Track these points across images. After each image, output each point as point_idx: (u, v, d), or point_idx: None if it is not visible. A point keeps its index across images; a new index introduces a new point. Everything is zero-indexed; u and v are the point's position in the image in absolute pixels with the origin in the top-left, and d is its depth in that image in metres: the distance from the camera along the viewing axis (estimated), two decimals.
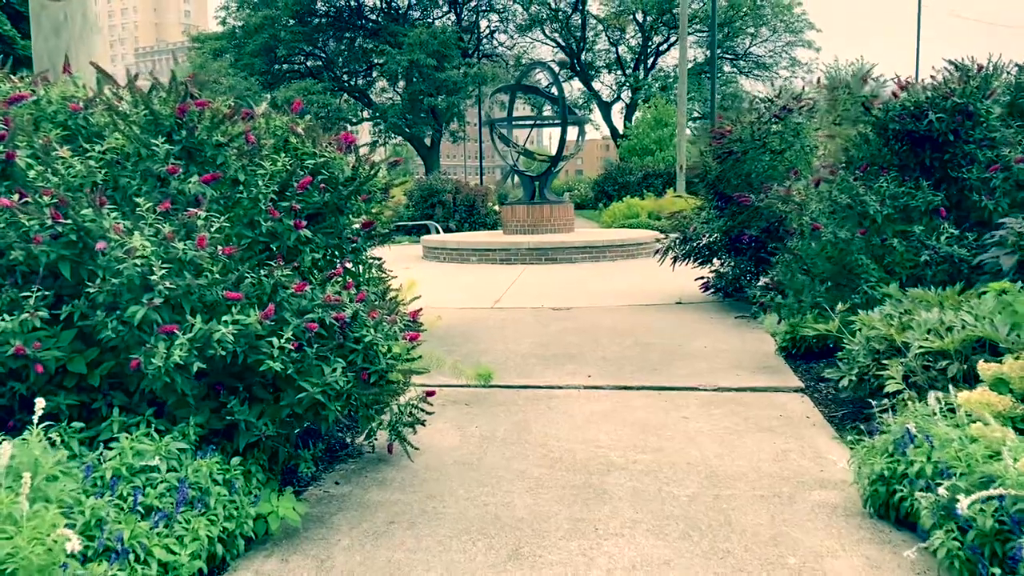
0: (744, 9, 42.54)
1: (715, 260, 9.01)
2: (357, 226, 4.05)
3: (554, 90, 15.88)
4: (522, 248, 13.22)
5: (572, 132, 15.74)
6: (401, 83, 38.06)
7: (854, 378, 4.49)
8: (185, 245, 3.13)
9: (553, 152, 15.19)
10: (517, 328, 7.67)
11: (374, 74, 39.94)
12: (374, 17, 39.73)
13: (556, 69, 17.78)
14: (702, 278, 8.99)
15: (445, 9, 41.89)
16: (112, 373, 3.27)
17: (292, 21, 37.40)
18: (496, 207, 20.57)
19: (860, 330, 4.62)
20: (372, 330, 3.55)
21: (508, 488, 3.88)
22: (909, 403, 3.79)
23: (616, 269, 12.48)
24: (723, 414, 4.94)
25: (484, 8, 42.23)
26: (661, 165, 31.95)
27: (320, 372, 3.32)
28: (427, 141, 40.62)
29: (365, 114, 38.90)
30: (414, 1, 40.46)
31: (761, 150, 8.15)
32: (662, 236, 9.05)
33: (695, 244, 8.75)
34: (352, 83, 40.56)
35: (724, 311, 8.36)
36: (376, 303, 3.88)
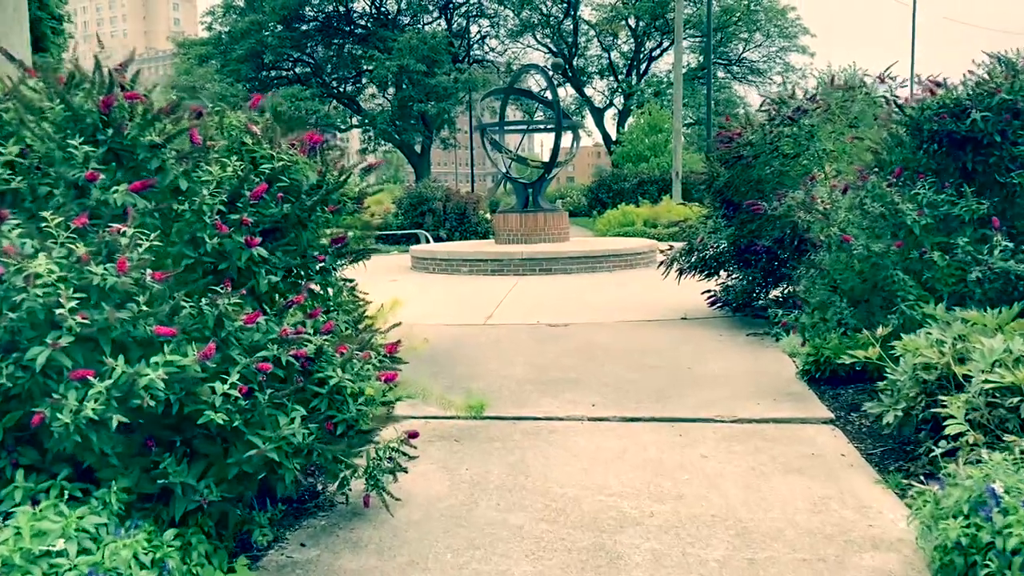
0: (738, 14, 42.10)
1: (722, 272, 8.44)
2: (325, 242, 3.45)
3: (548, 94, 15.30)
4: (515, 259, 12.63)
5: (566, 138, 15.18)
6: (391, 89, 37.50)
7: (900, 413, 3.91)
8: (104, 269, 2.53)
9: (546, 158, 14.60)
10: (511, 348, 7.07)
11: (363, 80, 39.36)
12: (363, 23, 39.19)
13: (550, 72, 17.17)
14: (709, 292, 8.41)
15: (435, 15, 41.41)
16: (20, 425, 2.66)
17: (279, 27, 36.82)
18: (488, 215, 19.99)
19: (904, 357, 4.05)
20: (339, 369, 2.96)
21: (504, 551, 3.28)
22: (977, 448, 3.22)
23: (614, 280, 11.90)
24: (746, 451, 4.36)
25: (475, 14, 41.74)
26: (656, 171, 31.41)
27: (275, 423, 2.72)
28: (417, 148, 40.01)
29: (354, 121, 38.24)
30: (404, 6, 39.91)
31: (773, 154, 7.59)
32: (664, 247, 8.47)
33: (702, 255, 8.18)
34: (341, 89, 39.97)
35: (734, 328, 7.78)
36: (347, 333, 3.28)
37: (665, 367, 6.21)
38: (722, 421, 4.88)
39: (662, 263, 8.39)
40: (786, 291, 8.15)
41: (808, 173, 7.77)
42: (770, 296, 8.17)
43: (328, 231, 3.39)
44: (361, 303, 3.72)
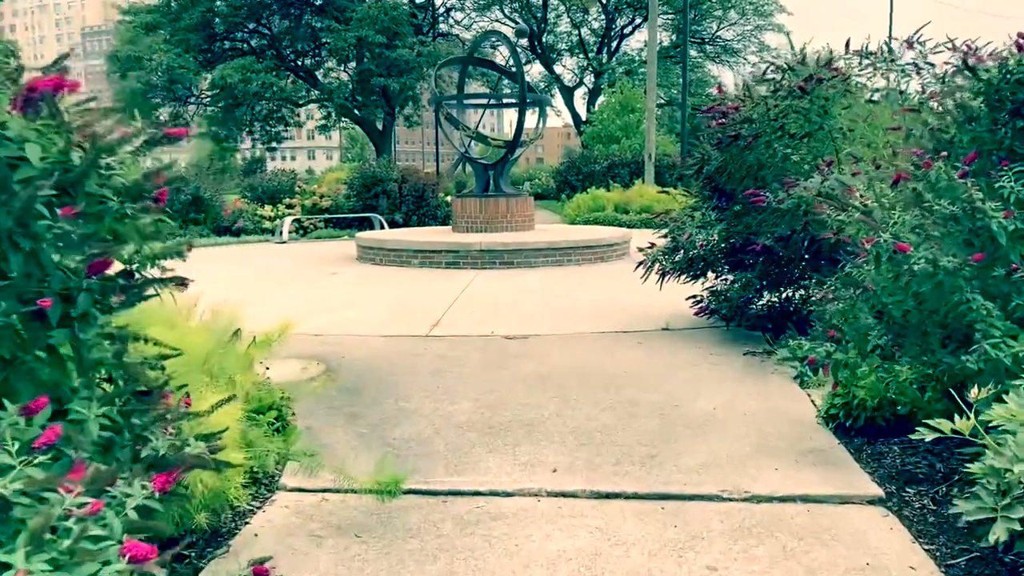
0: None
1: (709, 273, 7.09)
2: (74, 265, 1.98)
3: (512, 65, 13.82)
4: (473, 250, 11.20)
5: (532, 115, 13.78)
6: (352, 64, 35.71)
7: (1018, 526, 2.57)
8: None
9: (511, 137, 13.15)
10: (456, 373, 5.67)
11: (323, 54, 37.46)
12: None
13: (514, 40, 15.68)
14: (695, 298, 7.06)
15: None
16: None
17: None
18: (449, 198, 18.52)
19: (1018, 436, 2.71)
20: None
21: None
22: None
23: (585, 277, 10.52)
24: (771, 559, 3.00)
25: None
26: (628, 154, 30.04)
27: None
28: (379, 125, 38.24)
29: (312, 95, 36.36)
30: None
31: (777, 134, 6.24)
32: (644, 242, 7.09)
33: (689, 255, 6.81)
34: (300, 63, 38.03)
35: (727, 343, 6.45)
36: (118, 428, 1.85)
37: (648, 403, 4.85)
38: (731, 499, 3.52)
39: (641, 263, 7.01)
40: (786, 297, 6.84)
41: (819, 157, 6.45)
42: (763, 302, 6.86)
43: (82, 251, 1.93)
44: (147, 364, 2.26)
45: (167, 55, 31.29)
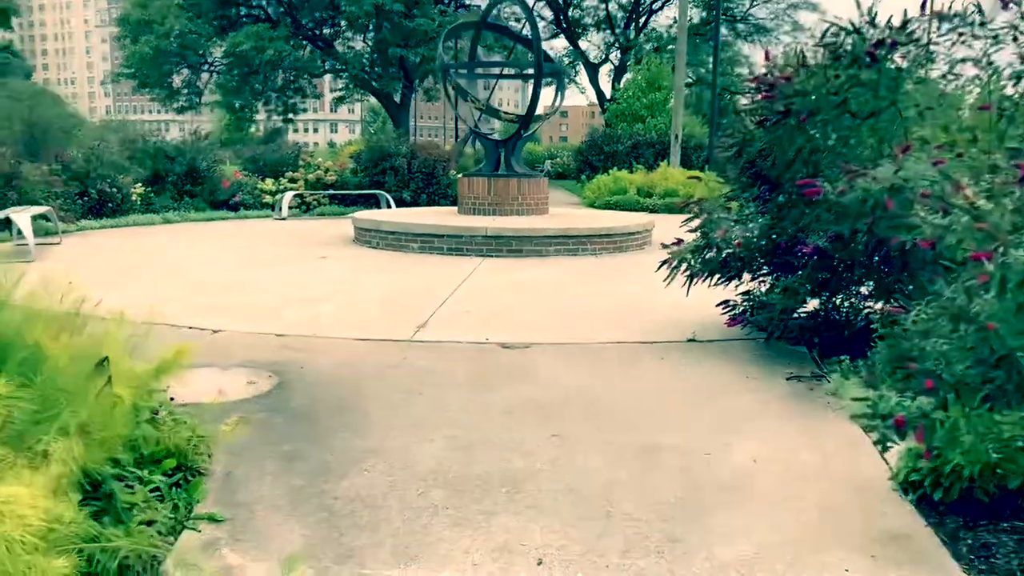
0: None
1: (745, 274, 5.98)
2: None
3: (527, 30, 12.64)
4: (478, 235, 10.12)
5: (548, 88, 12.63)
6: (371, 34, 34.50)
7: None
8: None
9: (526, 111, 12.00)
10: (434, 395, 4.62)
11: (342, 23, 36.25)
12: None
13: (530, 2, 14.46)
14: (727, 303, 5.97)
15: None
16: None
17: None
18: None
19: None
20: None
21: None
22: None
23: (601, 270, 9.42)
24: None
25: None
26: (653, 133, 28.71)
27: None
28: (397, 98, 37.06)
29: (327, 65, 35.15)
30: None
31: (837, 110, 5.12)
32: (671, 242, 5.98)
33: (723, 254, 5.70)
34: (318, 32, 36.85)
35: (766, 361, 5.37)
36: None
37: (671, 450, 3.78)
38: None
39: (665, 262, 5.91)
40: (834, 304, 5.74)
41: (885, 141, 5.33)
42: (808, 310, 5.77)
43: None
44: None
45: (179, 20, 30.23)
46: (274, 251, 10.88)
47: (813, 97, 5.13)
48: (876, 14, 5.06)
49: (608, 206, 19.33)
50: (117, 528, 2.70)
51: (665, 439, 3.93)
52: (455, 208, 12.78)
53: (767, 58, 5.69)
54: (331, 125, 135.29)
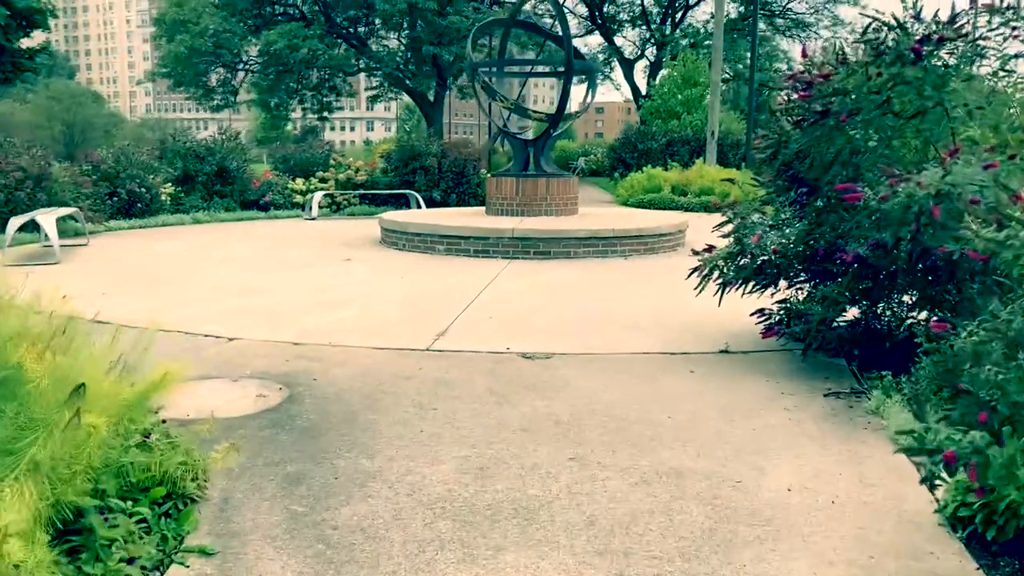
0: None
1: (781, 281, 5.69)
2: None
3: (558, 27, 12.36)
4: (505, 237, 9.89)
5: (579, 86, 12.34)
6: (405, 31, 34.35)
7: None
8: None
9: (555, 110, 11.72)
10: (448, 410, 4.40)
11: (376, 21, 36.16)
12: None
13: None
14: (762, 312, 5.68)
15: None
16: None
17: None
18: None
19: None
20: None
21: None
22: None
23: (630, 273, 9.15)
24: None
25: None
26: (689, 130, 28.25)
27: None
28: (431, 97, 36.91)
29: (360, 64, 35.05)
30: None
31: (879, 110, 4.82)
32: (702, 249, 5.71)
33: (758, 261, 5.41)
34: (352, 30, 36.82)
35: (803, 376, 5.08)
36: None
37: (698, 476, 3.53)
38: None
39: (696, 270, 5.64)
40: (874, 312, 5.43)
41: (931, 143, 5.03)
42: (847, 319, 5.46)
43: None
44: None
45: (213, 19, 30.34)
46: (300, 253, 10.74)
47: (853, 96, 4.84)
48: (921, 8, 4.76)
49: (642, 205, 19.01)
50: (95, 566, 2.52)
51: (693, 463, 3.68)
52: (483, 208, 12.55)
53: (804, 55, 5.40)
54: (367, 123, 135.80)
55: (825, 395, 4.72)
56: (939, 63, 4.72)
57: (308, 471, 3.56)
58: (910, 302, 5.36)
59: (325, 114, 39.67)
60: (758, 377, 5.06)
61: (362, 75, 36.68)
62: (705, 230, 6.18)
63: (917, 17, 4.71)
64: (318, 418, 4.23)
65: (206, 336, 6.00)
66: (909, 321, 5.39)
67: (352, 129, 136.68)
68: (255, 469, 3.58)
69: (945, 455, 2.62)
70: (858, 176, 5.11)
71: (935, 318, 5.10)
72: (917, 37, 4.71)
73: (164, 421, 3.53)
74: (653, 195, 19.23)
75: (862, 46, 4.99)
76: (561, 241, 9.85)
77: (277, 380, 4.90)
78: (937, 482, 2.79)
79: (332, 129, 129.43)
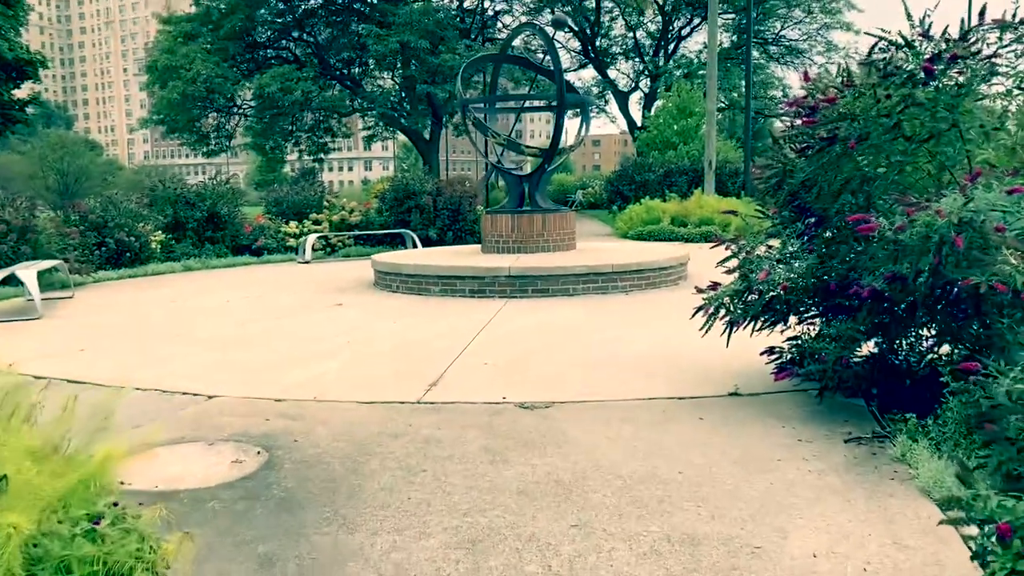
0: None
1: (791, 317, 5.37)
2: None
3: (548, 61, 12.14)
4: (501, 276, 9.59)
5: (573, 120, 12.09)
6: (399, 71, 34.34)
7: None
8: None
9: (549, 144, 11.49)
10: (439, 472, 4.05)
11: (370, 62, 36.20)
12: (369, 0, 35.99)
13: (550, 32, 13.92)
14: (772, 350, 5.35)
15: None
16: None
17: (278, 2, 33.76)
18: None
19: None
20: None
21: None
22: None
23: (632, 311, 8.83)
24: None
25: None
26: (686, 161, 28.09)
27: None
28: (426, 135, 36.87)
29: (354, 104, 34.97)
30: None
31: (890, 134, 4.53)
32: (707, 286, 5.41)
33: (766, 297, 5.09)
34: (346, 71, 36.86)
35: (820, 419, 4.75)
36: None
37: (715, 542, 3.18)
38: None
39: (701, 308, 5.31)
40: (892, 346, 5.09)
41: (945, 167, 4.74)
42: (863, 354, 5.12)
43: None
44: None
45: (205, 64, 30.32)
46: (290, 299, 10.43)
47: (861, 120, 4.55)
48: (931, 25, 4.48)
49: (641, 237, 18.76)
50: None
51: (707, 527, 3.33)
52: (479, 247, 12.27)
53: (806, 79, 5.13)
54: (365, 163, 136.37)
55: (846, 441, 4.38)
56: (951, 83, 4.45)
57: (282, 551, 3.21)
58: (928, 335, 5.04)
59: (321, 155, 39.63)
60: (772, 422, 4.72)
61: (357, 115, 36.60)
62: (707, 261, 5.88)
63: (926, 35, 4.43)
64: (296, 486, 3.89)
65: (184, 394, 5.67)
66: (930, 356, 5.07)
67: (350, 169, 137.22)
68: (224, 550, 3.23)
69: (999, 527, 2.27)
70: (870, 204, 4.81)
71: (961, 355, 4.79)
72: (927, 56, 4.44)
73: (116, 503, 3.18)
74: (652, 227, 18.99)
75: (867, 68, 4.72)
76: (559, 278, 9.55)
77: (256, 442, 4.56)
78: (989, 559, 2.44)
79: (330, 170, 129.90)
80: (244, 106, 36.09)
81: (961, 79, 4.48)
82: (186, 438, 4.69)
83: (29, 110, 24.24)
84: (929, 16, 4.49)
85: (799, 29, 41.32)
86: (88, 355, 7.13)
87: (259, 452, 4.40)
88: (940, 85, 4.45)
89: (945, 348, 4.96)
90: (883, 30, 4.62)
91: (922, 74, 4.36)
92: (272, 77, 29.81)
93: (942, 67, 4.31)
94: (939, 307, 4.50)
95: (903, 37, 4.49)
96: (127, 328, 8.58)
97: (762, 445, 4.33)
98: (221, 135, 36.63)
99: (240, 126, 37.43)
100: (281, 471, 4.11)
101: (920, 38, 4.46)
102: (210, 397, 5.57)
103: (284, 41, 36.74)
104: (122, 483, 3.30)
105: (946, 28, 4.49)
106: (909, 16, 4.54)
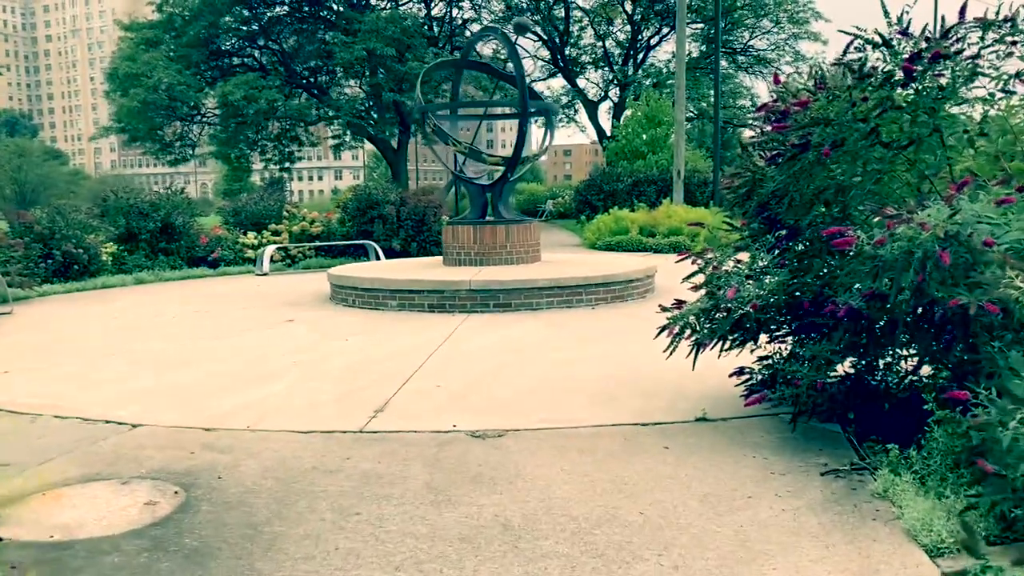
0: None
1: (762, 335, 5.02)
2: None
3: (509, 66, 11.77)
4: (462, 290, 9.18)
5: (536, 127, 11.74)
6: (367, 79, 33.83)
7: None
8: None
9: (512, 153, 11.11)
10: (373, 516, 3.62)
11: (338, 70, 35.64)
12: (336, 7, 35.49)
13: (512, 36, 13.52)
14: (742, 372, 5.00)
15: None
16: None
17: (243, 9, 33.12)
18: None
19: None
20: None
21: None
22: None
23: (595, 326, 8.45)
24: None
25: None
26: (655, 170, 27.86)
27: None
28: (394, 143, 36.38)
29: (319, 113, 34.33)
30: None
31: (866, 140, 4.19)
32: (671, 304, 5.05)
33: (735, 316, 4.73)
34: (313, 80, 36.29)
35: (793, 448, 4.39)
36: None
37: None
38: None
39: (665, 328, 4.94)
40: (869, 364, 4.75)
41: (926, 176, 4.43)
42: (838, 375, 4.77)
43: None
44: None
45: (167, 72, 29.64)
46: (241, 314, 9.94)
47: (836, 125, 4.21)
48: (909, 23, 4.15)
49: (610, 247, 18.45)
50: None
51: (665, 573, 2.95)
52: (442, 259, 11.86)
53: (776, 81, 4.79)
54: (336, 172, 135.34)
55: (822, 474, 4.02)
56: (932, 85, 4.12)
57: None
58: (908, 354, 4.72)
59: (287, 164, 38.97)
60: (743, 452, 4.35)
61: (323, 124, 36.03)
62: (675, 273, 5.52)
63: (905, 33, 4.10)
64: (212, 534, 3.45)
65: (108, 423, 5.19)
66: (911, 379, 4.74)
67: (320, 178, 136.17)
68: None
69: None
70: (845, 216, 4.48)
71: (943, 376, 4.46)
72: (906, 55, 4.11)
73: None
74: (621, 237, 18.69)
75: (842, 69, 4.39)
76: (522, 292, 9.16)
77: (175, 480, 4.11)
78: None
79: (300, 179, 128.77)
80: (208, 115, 35.39)
81: (943, 81, 4.16)
82: (99, 475, 4.23)
83: None
84: (908, 12, 4.16)
85: (767, 39, 41.41)
86: (13, 378, 6.63)
87: (176, 492, 3.95)
88: (920, 87, 4.13)
89: (926, 368, 4.64)
90: (858, 28, 4.29)
91: (901, 75, 4.03)
92: (236, 85, 29.18)
93: (923, 67, 3.98)
94: (921, 327, 4.15)
95: (880, 35, 4.16)
96: (60, 347, 8.06)
97: (732, 479, 3.96)
98: (184, 144, 35.90)
99: (204, 135, 36.70)
100: (197, 515, 3.67)
101: (899, 36, 4.13)
102: (134, 426, 5.11)
103: (249, 49, 36.10)
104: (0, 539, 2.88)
105: (925, 27, 4.17)
106: (886, 13, 4.22)
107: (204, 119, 35.55)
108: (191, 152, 36.72)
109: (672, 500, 3.71)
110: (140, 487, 4.04)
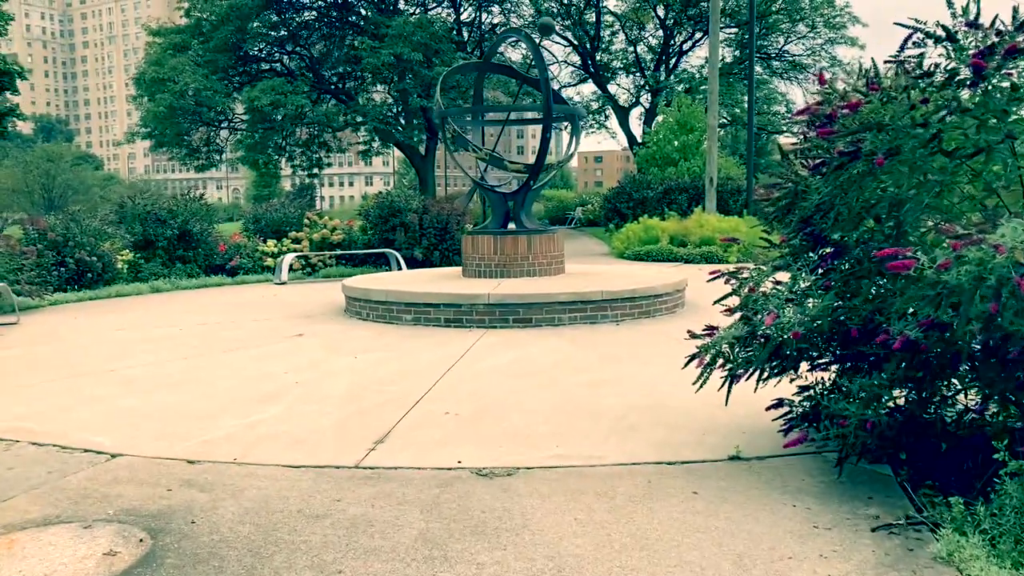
0: (779, 2, 37.63)
1: (803, 363, 4.50)
2: None
3: (534, 69, 11.30)
4: (479, 303, 8.72)
5: (562, 132, 11.27)
6: (395, 83, 33.55)
7: None
8: None
9: (535, 159, 10.63)
10: (359, 573, 3.18)
11: (366, 76, 35.36)
12: (364, 12, 35.27)
13: (537, 38, 13.03)
14: (780, 403, 4.48)
15: (446, 4, 37.29)
16: None
17: (271, 14, 33.00)
18: None
19: None
20: None
21: None
22: None
23: (620, 345, 7.94)
24: None
25: (486, 1, 37.39)
26: (686, 177, 27.23)
27: None
28: (422, 149, 36.03)
29: (345, 118, 34.03)
30: None
31: (926, 148, 3.68)
32: (702, 331, 4.54)
33: (774, 343, 4.21)
34: (340, 85, 36.07)
35: (839, 496, 3.88)
36: None
37: None
38: None
39: (694, 357, 4.43)
40: (923, 397, 4.22)
41: (992, 188, 3.91)
42: (887, 410, 4.24)
43: None
44: None
45: (194, 77, 29.52)
46: (252, 327, 9.55)
47: (891, 131, 3.70)
48: (978, 13, 3.63)
49: (639, 257, 17.93)
50: None
51: None
52: (461, 270, 11.41)
53: (822, 81, 4.28)
54: (366, 178, 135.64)
55: (873, 529, 3.50)
56: (1004, 84, 3.59)
57: None
58: (964, 386, 4.19)
59: (316, 171, 38.79)
60: (782, 500, 3.84)
61: (350, 130, 35.78)
62: (708, 286, 5.03)
63: (974, 24, 3.58)
64: None
65: (85, 452, 4.79)
66: (972, 416, 4.21)
67: (351, 184, 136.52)
68: None
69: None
70: (900, 233, 3.96)
71: (1012, 414, 3.93)
72: (972, 51, 3.59)
73: None
74: (650, 247, 18.15)
75: (898, 67, 3.88)
76: (543, 307, 8.68)
77: (144, 524, 3.68)
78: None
79: (330, 185, 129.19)
80: (235, 120, 35.28)
81: (1014, 79, 3.63)
82: (62, 516, 3.82)
83: (7, 122, 23.45)
84: (974, 2, 3.63)
85: (803, 44, 40.54)
86: None
87: (142, 540, 3.52)
88: (989, 88, 3.61)
89: (994, 409, 4.11)
90: (916, 20, 3.78)
91: (968, 72, 3.52)
92: (263, 91, 28.96)
93: (995, 64, 3.46)
94: (990, 361, 3.63)
95: (944, 28, 3.64)
96: (55, 363, 7.68)
97: (770, 535, 3.45)
98: (211, 149, 35.81)
99: (231, 140, 36.60)
100: (160, 570, 3.23)
101: (965, 29, 3.61)
102: (113, 456, 4.70)
103: (277, 54, 35.94)
104: None
105: (996, 17, 3.64)
106: (950, 3, 3.69)
107: (231, 124, 35.44)
108: (218, 157, 36.63)
109: (701, 561, 3.22)
110: (103, 532, 3.62)
